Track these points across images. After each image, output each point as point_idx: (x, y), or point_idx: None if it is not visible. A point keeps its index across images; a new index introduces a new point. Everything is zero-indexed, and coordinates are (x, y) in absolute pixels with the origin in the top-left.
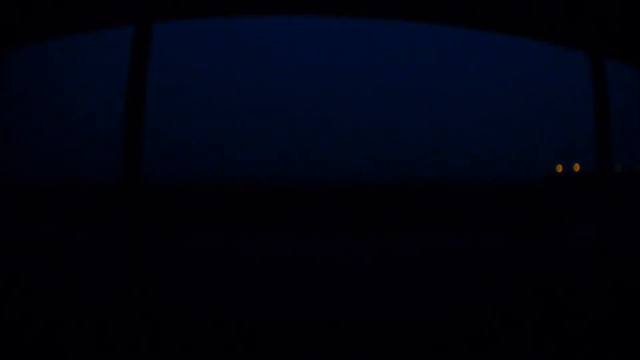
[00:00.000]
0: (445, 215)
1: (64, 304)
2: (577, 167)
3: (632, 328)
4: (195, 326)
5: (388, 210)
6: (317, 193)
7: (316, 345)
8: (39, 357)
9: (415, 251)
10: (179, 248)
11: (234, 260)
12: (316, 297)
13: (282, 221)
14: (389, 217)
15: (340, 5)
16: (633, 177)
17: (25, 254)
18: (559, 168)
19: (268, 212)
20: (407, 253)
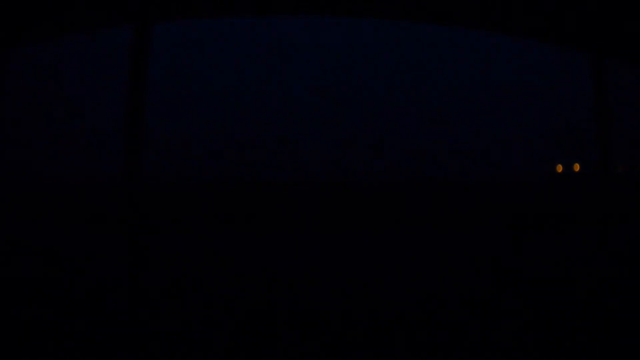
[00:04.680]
0: (445, 214)
1: (62, 302)
2: (577, 167)
3: (631, 326)
4: (191, 326)
5: (388, 208)
6: (319, 192)
7: (310, 343)
8: (38, 355)
9: (414, 250)
10: (178, 247)
11: (233, 260)
12: (312, 296)
13: (281, 220)
14: (389, 215)
15: (340, 5)
16: (633, 177)
17: (23, 252)
18: (559, 168)
19: (267, 210)
20: (406, 252)
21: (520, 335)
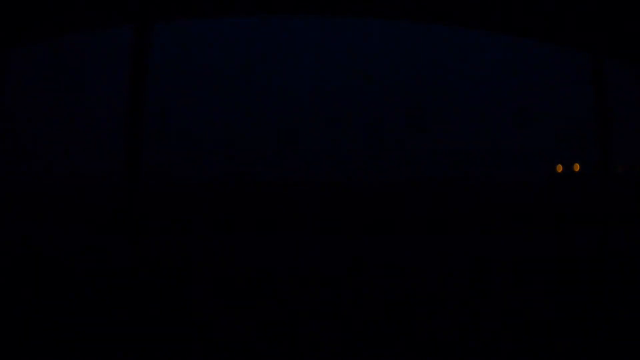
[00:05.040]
0: (444, 215)
1: (62, 302)
2: (577, 167)
3: (631, 326)
4: (193, 327)
5: (387, 209)
6: (319, 191)
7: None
8: (38, 356)
9: (414, 251)
10: (179, 247)
11: (234, 260)
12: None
13: (281, 220)
14: (387, 215)
15: (340, 5)
16: (633, 177)
17: (23, 252)
18: (559, 168)
19: (267, 210)
20: (406, 252)
21: (520, 336)
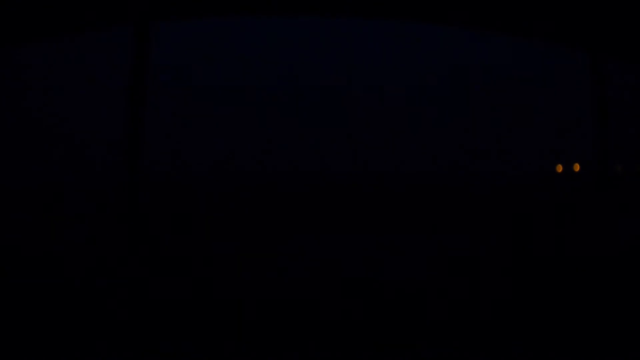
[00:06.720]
0: (444, 215)
1: (61, 304)
2: (577, 167)
3: (630, 327)
4: (194, 328)
5: (385, 208)
6: (319, 190)
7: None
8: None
9: (413, 251)
10: (180, 250)
11: (234, 262)
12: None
13: (281, 221)
14: (385, 215)
15: (340, 5)
16: (633, 177)
17: (22, 253)
18: (559, 168)
19: (268, 211)
20: (405, 253)
21: (519, 336)
